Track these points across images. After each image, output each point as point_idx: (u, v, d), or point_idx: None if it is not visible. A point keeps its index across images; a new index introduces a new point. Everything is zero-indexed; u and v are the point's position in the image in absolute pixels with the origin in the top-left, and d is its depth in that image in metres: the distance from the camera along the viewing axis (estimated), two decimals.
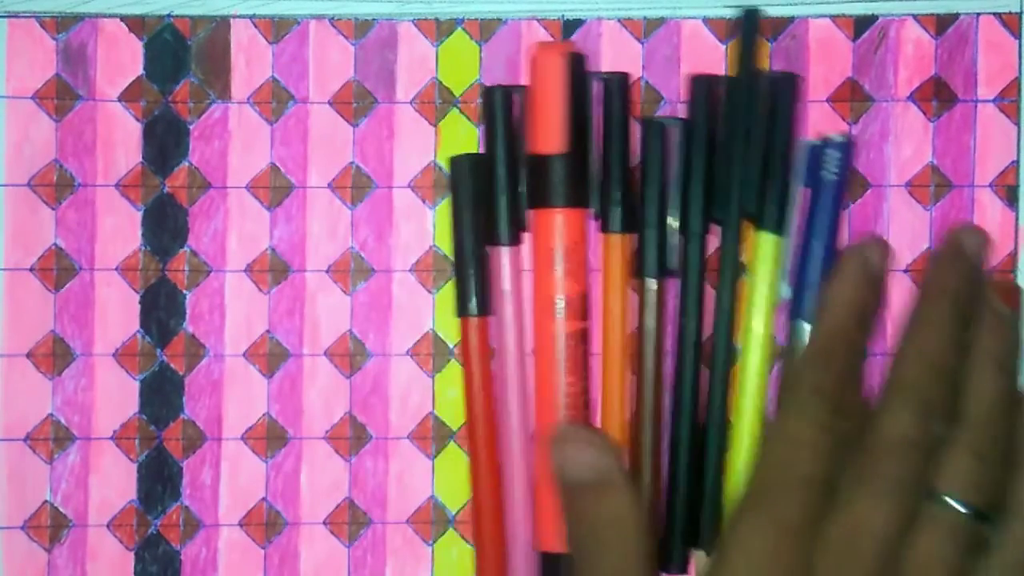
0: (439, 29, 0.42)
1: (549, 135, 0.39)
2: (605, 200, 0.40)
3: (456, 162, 0.40)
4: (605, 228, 0.40)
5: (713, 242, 0.40)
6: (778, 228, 0.40)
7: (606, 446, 0.35)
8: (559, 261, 0.39)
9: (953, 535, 0.32)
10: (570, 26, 0.42)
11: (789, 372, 0.37)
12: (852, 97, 0.42)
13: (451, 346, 0.42)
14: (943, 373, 0.34)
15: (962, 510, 0.32)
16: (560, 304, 0.39)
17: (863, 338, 0.36)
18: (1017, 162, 0.42)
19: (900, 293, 0.42)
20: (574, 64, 0.39)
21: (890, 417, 0.33)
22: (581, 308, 0.39)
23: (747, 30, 0.41)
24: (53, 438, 0.41)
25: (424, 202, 0.42)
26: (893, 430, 0.33)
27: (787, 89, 0.40)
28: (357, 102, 0.42)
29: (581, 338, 0.39)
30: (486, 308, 0.40)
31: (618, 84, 0.40)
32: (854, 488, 0.32)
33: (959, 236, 0.38)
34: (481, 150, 0.41)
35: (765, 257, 0.40)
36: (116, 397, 0.41)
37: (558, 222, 0.39)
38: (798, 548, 0.31)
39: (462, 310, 0.40)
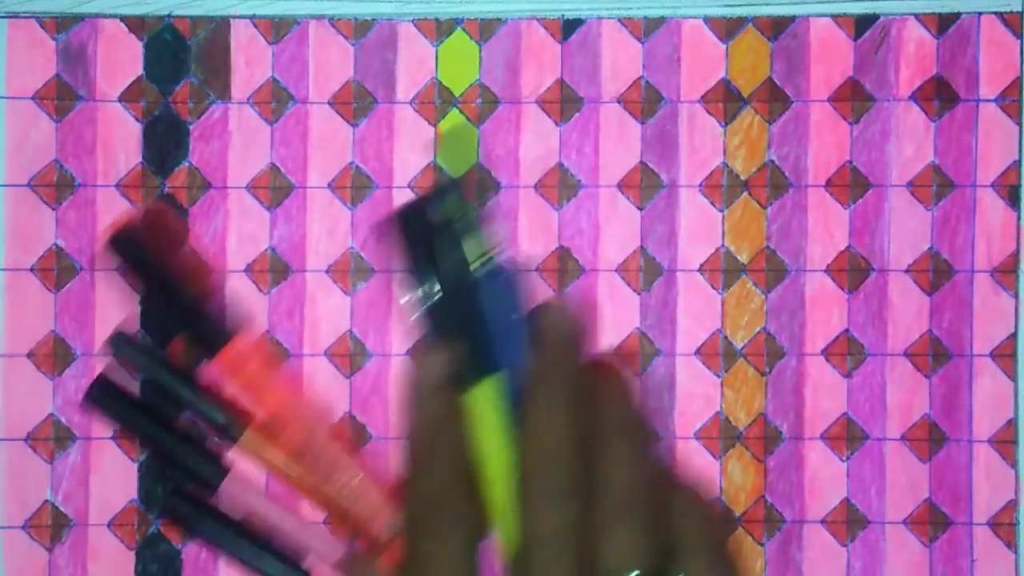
0: (439, 29, 0.42)
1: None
2: None
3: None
4: None
5: None
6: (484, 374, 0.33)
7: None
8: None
9: None
10: (570, 26, 0.42)
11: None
12: (853, 97, 0.42)
13: None
14: (564, 458, 0.31)
15: None
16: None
17: (451, 452, 0.33)
18: (1019, 162, 0.42)
19: (901, 293, 0.42)
20: None
21: (529, 514, 0.31)
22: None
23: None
24: (54, 438, 0.41)
25: None
26: (536, 525, 0.31)
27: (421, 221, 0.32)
28: (357, 102, 0.42)
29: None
30: None
31: None
32: None
33: (544, 320, 0.33)
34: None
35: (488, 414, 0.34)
36: None
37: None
38: None
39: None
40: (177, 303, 0.39)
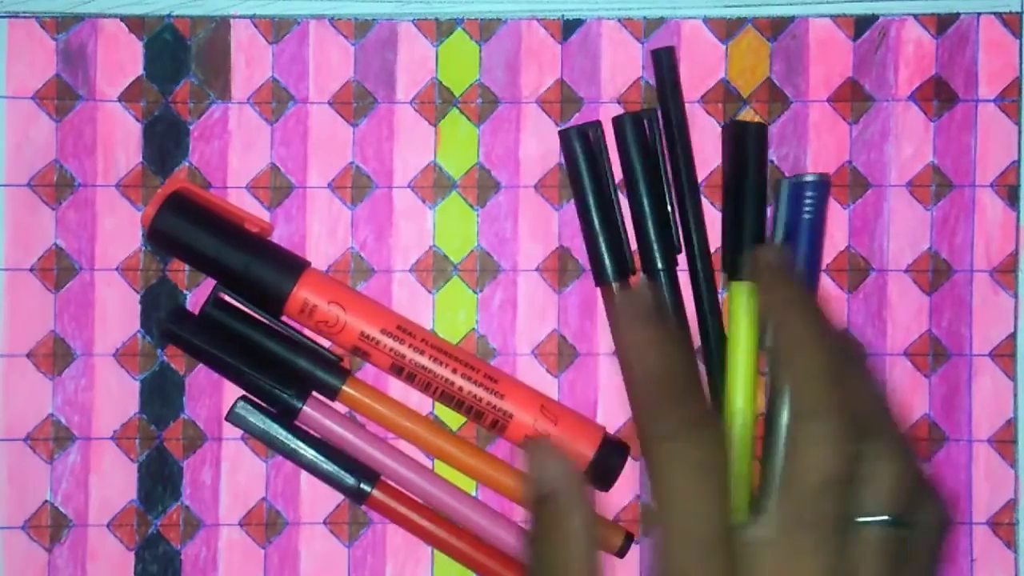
0: (439, 29, 0.42)
1: None
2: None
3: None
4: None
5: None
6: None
7: (563, 460, 0.34)
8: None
9: (884, 553, 0.30)
10: (570, 26, 0.42)
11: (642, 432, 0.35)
12: (853, 97, 0.42)
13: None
14: (834, 386, 0.31)
15: (885, 524, 0.30)
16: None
17: (674, 362, 0.33)
18: (1018, 162, 0.42)
19: (900, 293, 0.42)
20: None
21: (810, 453, 0.31)
22: None
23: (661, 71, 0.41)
24: (53, 438, 0.41)
25: (424, 202, 0.42)
26: (816, 469, 0.30)
27: (757, 135, 0.40)
28: (357, 102, 0.42)
29: None
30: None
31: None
32: (785, 534, 0.30)
33: (764, 259, 0.35)
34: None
35: (741, 308, 0.38)
36: (116, 397, 0.41)
37: None
38: None
39: None
40: (245, 244, 0.39)
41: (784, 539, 0.30)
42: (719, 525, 0.30)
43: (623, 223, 0.40)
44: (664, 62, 0.40)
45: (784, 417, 0.32)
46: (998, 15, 0.42)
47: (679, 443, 0.31)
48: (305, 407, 0.40)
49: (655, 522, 0.31)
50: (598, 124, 0.40)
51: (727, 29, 0.42)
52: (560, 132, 0.41)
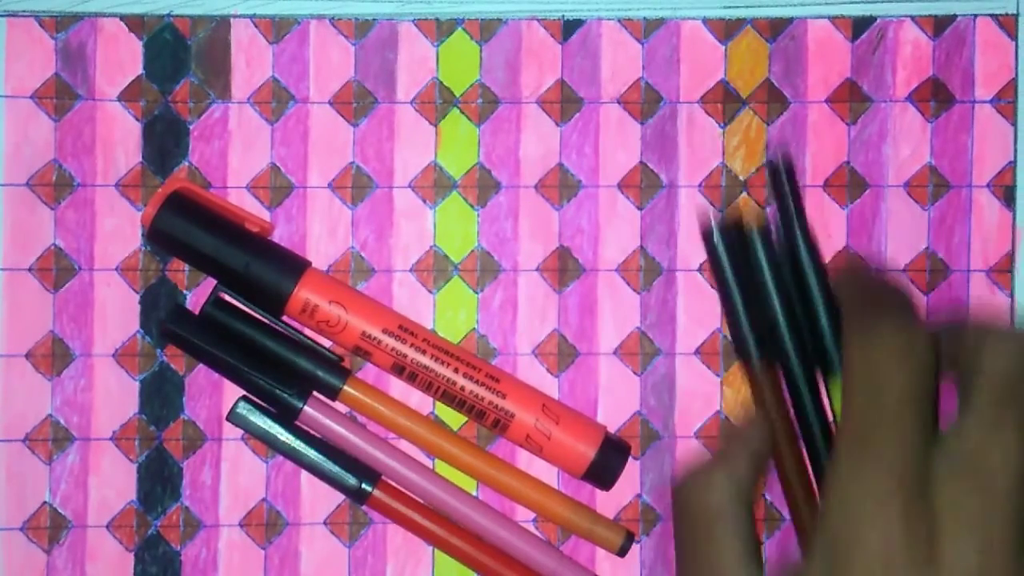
0: (439, 29, 0.42)
1: None
2: None
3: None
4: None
5: None
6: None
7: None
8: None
9: None
10: (570, 26, 0.42)
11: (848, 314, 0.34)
12: (851, 98, 0.42)
13: None
14: None
15: None
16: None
17: (892, 284, 0.34)
18: (1014, 162, 0.42)
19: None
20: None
21: (994, 351, 0.31)
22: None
23: (780, 182, 0.34)
24: (52, 439, 0.41)
25: (424, 202, 0.42)
26: (999, 364, 0.31)
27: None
28: (357, 102, 0.42)
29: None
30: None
31: None
32: (966, 424, 0.31)
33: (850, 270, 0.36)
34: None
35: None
36: (116, 397, 0.41)
37: None
38: (910, 491, 0.29)
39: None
40: (246, 244, 0.39)
41: (986, 412, 0.30)
42: (918, 393, 0.30)
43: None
44: (784, 171, 0.32)
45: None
46: (994, 17, 0.42)
47: (887, 326, 0.31)
48: (306, 407, 0.40)
49: (846, 394, 0.31)
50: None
51: (726, 30, 0.42)
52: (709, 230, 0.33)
